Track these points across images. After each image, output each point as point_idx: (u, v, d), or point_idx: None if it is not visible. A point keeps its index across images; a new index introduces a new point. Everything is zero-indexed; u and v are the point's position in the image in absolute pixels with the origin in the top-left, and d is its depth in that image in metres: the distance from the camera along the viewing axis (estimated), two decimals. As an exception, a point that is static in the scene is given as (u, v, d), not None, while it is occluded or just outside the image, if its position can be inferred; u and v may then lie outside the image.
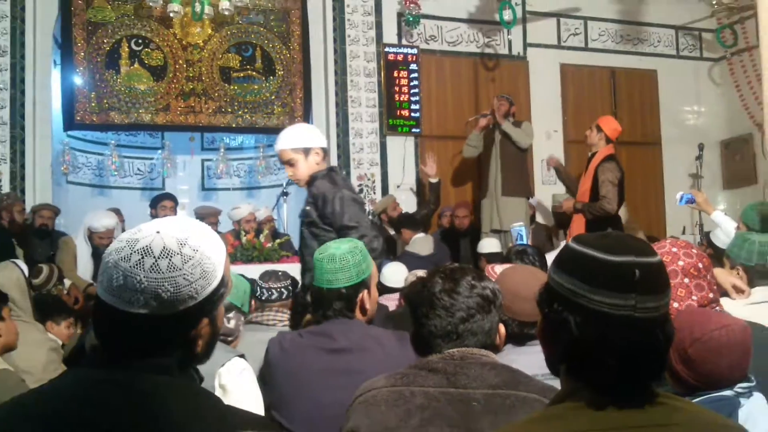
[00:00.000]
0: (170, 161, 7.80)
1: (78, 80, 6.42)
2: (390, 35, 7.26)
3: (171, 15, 5.99)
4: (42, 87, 6.27)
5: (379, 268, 3.37)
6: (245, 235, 5.53)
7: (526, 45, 7.79)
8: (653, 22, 8.37)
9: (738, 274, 2.58)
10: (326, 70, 7.05)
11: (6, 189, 5.91)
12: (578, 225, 5.39)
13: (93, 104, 6.45)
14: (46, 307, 3.61)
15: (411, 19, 7.10)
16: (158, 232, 1.12)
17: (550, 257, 3.56)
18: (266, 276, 3.10)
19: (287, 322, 2.94)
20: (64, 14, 6.37)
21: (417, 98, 7.27)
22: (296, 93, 7.06)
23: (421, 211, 6.66)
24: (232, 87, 6.90)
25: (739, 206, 6.73)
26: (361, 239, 3.00)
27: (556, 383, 1.18)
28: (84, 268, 5.25)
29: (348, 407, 1.59)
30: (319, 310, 2.16)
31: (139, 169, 8.08)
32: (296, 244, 4.35)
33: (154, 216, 6.09)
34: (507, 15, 7.01)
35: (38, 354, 2.92)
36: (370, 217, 6.87)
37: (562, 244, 6.32)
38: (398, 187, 7.12)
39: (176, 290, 1.08)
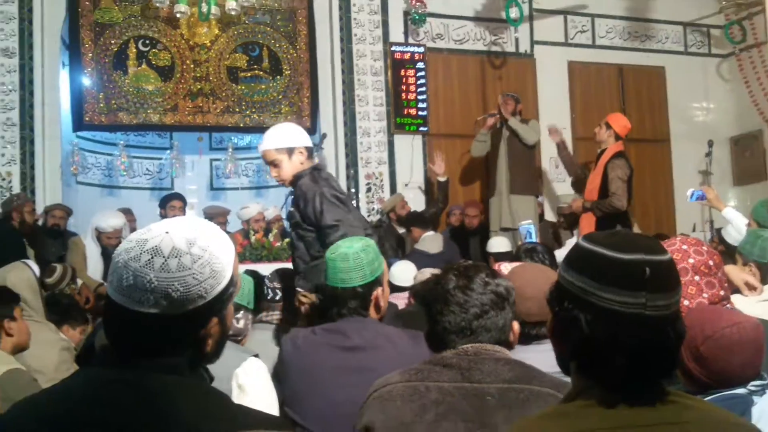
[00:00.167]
0: (179, 161, 7.82)
1: (86, 81, 6.44)
2: (397, 34, 7.26)
3: (178, 15, 6.00)
4: (51, 88, 6.30)
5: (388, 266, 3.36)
6: (254, 235, 5.54)
7: (533, 43, 7.77)
8: (661, 18, 8.33)
9: (751, 270, 2.57)
10: (333, 69, 7.05)
11: (16, 190, 5.95)
12: (588, 223, 5.37)
13: (101, 105, 6.47)
14: (65, 309, 3.62)
15: (417, 17, 7.09)
16: (167, 232, 1.12)
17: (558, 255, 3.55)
18: (274, 276, 3.11)
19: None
20: (72, 15, 6.40)
21: (424, 96, 7.27)
22: (303, 92, 7.06)
23: (430, 210, 6.65)
24: (239, 87, 6.91)
25: (750, 203, 6.69)
26: (344, 236, 2.99)
27: (568, 380, 1.17)
28: (94, 268, 5.28)
29: (362, 403, 1.60)
30: (333, 309, 2.16)
31: (148, 170, 8.10)
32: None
33: (163, 216, 6.11)
34: (514, 13, 6.99)
35: (50, 354, 2.93)
36: (379, 215, 6.88)
37: (568, 242, 6.32)
38: (406, 185, 7.12)
39: (186, 289, 1.08)
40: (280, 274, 3.21)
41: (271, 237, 5.43)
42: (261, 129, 7.20)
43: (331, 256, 2.16)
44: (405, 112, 7.19)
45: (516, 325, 1.64)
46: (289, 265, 3.63)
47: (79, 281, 4.90)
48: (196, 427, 1.05)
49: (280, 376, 2.17)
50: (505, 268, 2.44)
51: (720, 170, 8.21)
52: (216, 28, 6.86)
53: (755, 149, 8.18)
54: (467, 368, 1.51)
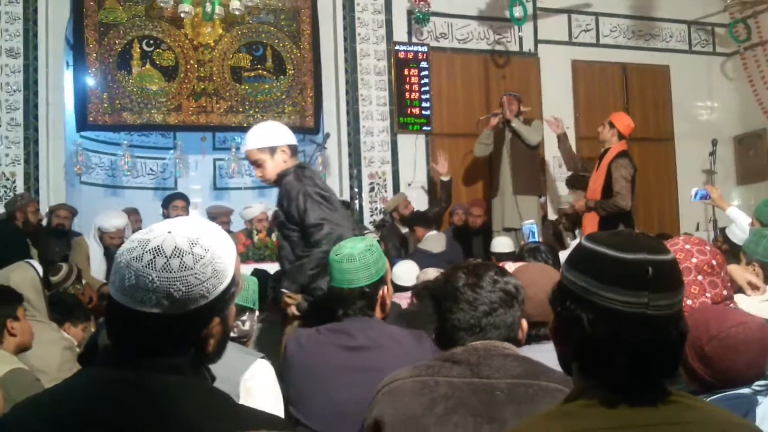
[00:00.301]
0: (182, 161, 7.82)
1: (90, 81, 6.45)
2: (400, 33, 7.25)
3: (182, 15, 6.01)
4: (55, 88, 6.31)
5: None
6: (257, 234, 5.55)
7: (537, 41, 7.75)
8: (665, 17, 8.30)
9: (754, 270, 2.56)
10: (337, 69, 7.06)
11: (20, 190, 5.96)
12: (591, 223, 5.36)
13: (105, 105, 6.48)
14: (67, 307, 3.63)
15: (421, 16, 7.08)
16: (170, 232, 1.12)
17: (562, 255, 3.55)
18: (277, 276, 3.11)
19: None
20: (76, 16, 6.41)
21: (428, 96, 7.26)
22: (307, 92, 7.06)
23: (433, 209, 6.65)
24: (243, 87, 6.92)
25: (753, 202, 6.67)
26: (328, 236, 2.98)
27: None
28: (97, 268, 5.29)
29: (371, 398, 1.60)
30: (339, 310, 2.16)
31: (151, 169, 8.11)
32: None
33: (166, 216, 6.12)
34: (517, 12, 6.98)
35: (53, 353, 2.93)
36: (382, 215, 6.88)
37: (572, 243, 6.31)
38: (409, 185, 7.11)
39: (188, 289, 1.09)
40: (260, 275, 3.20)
41: (273, 237, 5.43)
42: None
43: (336, 258, 2.16)
44: (408, 112, 7.19)
45: (524, 323, 1.65)
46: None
47: (83, 281, 4.91)
48: (198, 426, 1.05)
49: (283, 375, 2.17)
50: (509, 267, 2.44)
51: (724, 169, 8.19)
52: (220, 27, 6.86)
53: (759, 148, 8.16)
54: (476, 364, 1.52)
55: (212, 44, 6.84)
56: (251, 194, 8.04)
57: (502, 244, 5.48)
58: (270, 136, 3.23)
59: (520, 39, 7.64)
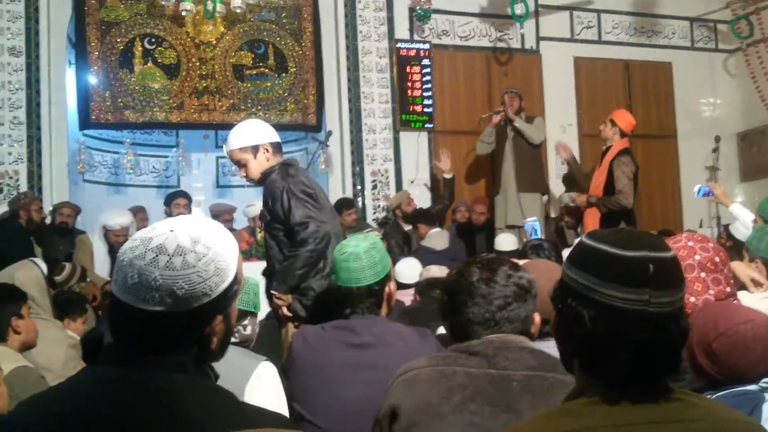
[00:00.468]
0: (185, 159, 7.83)
1: (92, 79, 6.45)
2: (402, 31, 7.24)
3: (183, 14, 6.00)
4: (57, 86, 6.31)
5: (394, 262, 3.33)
6: (260, 232, 5.54)
7: (539, 39, 7.74)
8: (667, 14, 8.28)
9: (757, 267, 2.55)
10: (338, 67, 7.05)
11: (24, 188, 5.97)
12: (593, 220, 5.36)
13: (108, 103, 6.49)
14: (65, 303, 3.64)
15: (422, 14, 7.06)
16: (172, 231, 1.13)
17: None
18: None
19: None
20: (78, 14, 6.41)
21: (430, 93, 7.25)
22: (309, 90, 7.06)
23: (436, 207, 6.65)
24: (245, 84, 6.92)
25: (757, 198, 6.66)
26: (314, 234, 2.96)
27: None
28: (101, 265, 5.30)
29: (386, 389, 1.60)
30: (347, 309, 2.16)
31: (154, 167, 8.12)
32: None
33: (168, 214, 6.14)
34: (519, 9, 6.97)
35: (58, 351, 2.94)
36: (385, 213, 6.88)
37: (575, 242, 6.30)
38: (412, 182, 7.10)
39: (191, 287, 1.09)
40: None
41: (259, 236, 5.43)
42: (267, 126, 7.25)
43: (341, 257, 2.16)
44: (410, 109, 7.18)
45: (537, 317, 1.66)
46: None
47: (87, 279, 4.92)
48: (202, 425, 1.05)
49: (288, 371, 2.17)
50: (514, 264, 2.44)
51: (727, 166, 8.17)
52: (221, 26, 6.86)
53: (762, 145, 8.13)
54: (493, 356, 1.53)
55: (214, 42, 6.84)
56: (254, 192, 8.01)
57: (505, 241, 5.48)
58: (251, 136, 3.17)
59: (522, 36, 7.62)
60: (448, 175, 6.68)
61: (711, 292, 1.89)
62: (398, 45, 7.18)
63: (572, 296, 1.09)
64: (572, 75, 7.86)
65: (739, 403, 1.53)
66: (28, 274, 3.08)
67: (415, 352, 1.96)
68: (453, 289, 1.66)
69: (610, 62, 8.02)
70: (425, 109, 7.22)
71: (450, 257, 5.23)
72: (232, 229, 6.07)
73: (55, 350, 2.93)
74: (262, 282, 3.15)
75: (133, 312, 1.09)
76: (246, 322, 2.37)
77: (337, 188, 6.88)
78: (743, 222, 4.20)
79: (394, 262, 3.04)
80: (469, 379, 1.50)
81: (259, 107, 6.92)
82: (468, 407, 1.47)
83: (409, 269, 4.11)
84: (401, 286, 3.91)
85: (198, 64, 6.78)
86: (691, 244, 1.93)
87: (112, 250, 5.25)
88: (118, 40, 6.54)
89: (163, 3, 6.13)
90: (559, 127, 7.54)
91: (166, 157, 8.13)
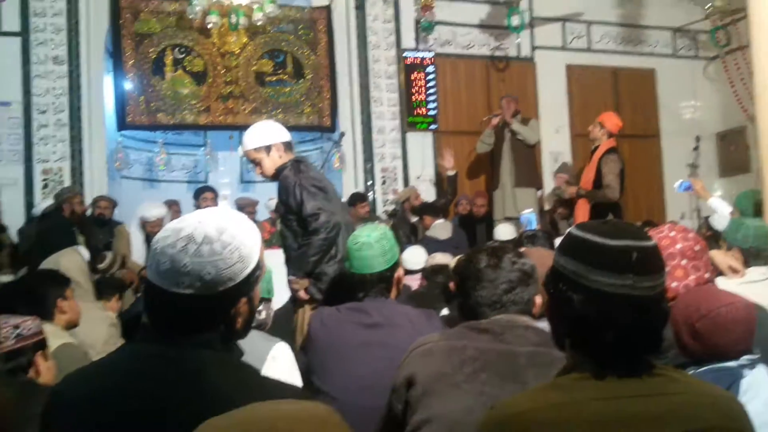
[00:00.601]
0: (212, 157, 7.87)
1: (128, 85, 6.48)
2: (408, 40, 7.23)
3: (209, 26, 5.99)
4: (96, 92, 6.35)
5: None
6: (279, 223, 5.55)
7: (533, 48, 7.70)
8: (652, 24, 8.22)
9: (734, 255, 2.54)
10: (350, 73, 7.05)
11: (67, 183, 6.01)
12: (582, 213, 5.35)
13: (142, 107, 6.51)
14: (103, 287, 3.67)
15: (427, 25, 7.06)
16: (200, 222, 1.13)
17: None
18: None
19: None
20: (114, 27, 6.43)
21: (434, 97, 7.23)
22: (324, 94, 7.06)
23: (440, 200, 6.66)
24: (266, 90, 6.92)
25: (734, 193, 6.58)
26: (325, 224, 2.96)
27: None
28: (138, 253, 5.34)
29: (403, 359, 1.61)
30: (360, 293, 2.16)
31: (184, 164, 8.15)
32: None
33: (196, 206, 6.15)
34: (515, 20, 6.95)
35: (99, 330, 2.96)
36: (393, 206, 6.88)
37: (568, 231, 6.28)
38: (418, 178, 7.11)
39: (217, 272, 1.10)
40: None
41: (278, 226, 5.44)
42: (286, 128, 7.24)
43: (355, 247, 2.16)
44: (416, 112, 7.17)
45: (538, 299, 1.66)
46: None
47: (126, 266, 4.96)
48: (230, 397, 1.05)
49: (307, 349, 2.18)
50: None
51: (706, 163, 8.12)
52: (244, 36, 6.86)
53: (739, 144, 8.08)
54: (500, 333, 1.54)
55: (237, 52, 6.84)
56: (275, 187, 7.95)
57: (503, 231, 5.47)
58: (264, 136, 3.17)
59: (518, 45, 7.58)
60: (451, 172, 6.68)
61: (691, 277, 1.88)
62: (405, 53, 7.16)
63: (563, 282, 1.09)
64: (564, 81, 7.82)
65: (719, 378, 1.53)
66: (72, 260, 3.11)
67: (421, 332, 1.97)
68: (463, 274, 1.67)
69: (599, 69, 7.97)
70: (430, 112, 7.20)
71: (453, 246, 5.23)
72: (254, 221, 6.07)
73: (97, 329, 2.94)
74: (282, 270, 3.17)
75: (166, 295, 1.10)
76: (260, 307, 2.37)
77: (350, 184, 6.90)
78: (720, 213, 4.18)
79: (402, 250, 3.03)
80: (479, 353, 1.51)
81: (279, 110, 6.92)
82: (479, 377, 1.48)
83: (416, 257, 4.11)
84: (408, 272, 3.91)
85: (223, 71, 6.79)
86: (673, 234, 1.93)
87: (149, 240, 5.27)
88: (151, 50, 6.56)
89: (191, 16, 6.13)
90: (552, 129, 7.51)
91: (195, 155, 8.16)
